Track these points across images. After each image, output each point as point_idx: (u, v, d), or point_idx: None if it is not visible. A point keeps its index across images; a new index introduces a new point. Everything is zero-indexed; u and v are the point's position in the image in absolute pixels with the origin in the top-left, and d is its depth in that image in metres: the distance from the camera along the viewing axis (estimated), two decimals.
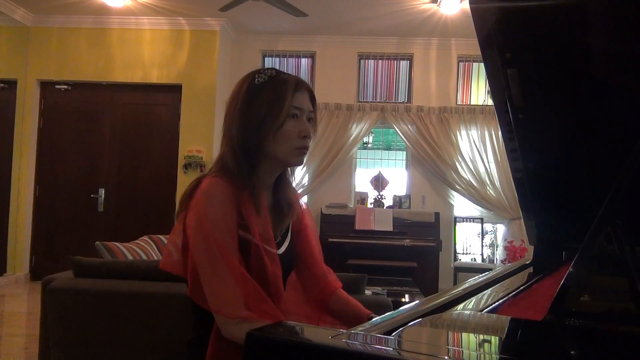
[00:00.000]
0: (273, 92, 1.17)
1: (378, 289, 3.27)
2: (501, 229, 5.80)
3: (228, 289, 1.05)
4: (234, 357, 1.06)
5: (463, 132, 5.74)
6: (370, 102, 5.97)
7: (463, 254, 5.91)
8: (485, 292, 1.25)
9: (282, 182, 1.29)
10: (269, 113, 1.16)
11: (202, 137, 5.59)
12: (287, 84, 1.19)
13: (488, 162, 5.71)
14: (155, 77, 5.68)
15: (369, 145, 6.39)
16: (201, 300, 1.09)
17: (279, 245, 1.24)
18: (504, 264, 5.30)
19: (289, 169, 1.30)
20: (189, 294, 1.12)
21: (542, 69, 1.17)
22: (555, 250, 1.68)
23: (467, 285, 1.32)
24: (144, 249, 2.85)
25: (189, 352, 1.22)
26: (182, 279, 1.16)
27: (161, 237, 3.17)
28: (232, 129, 1.19)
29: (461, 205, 5.87)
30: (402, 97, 6.06)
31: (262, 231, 1.16)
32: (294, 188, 1.34)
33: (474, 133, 5.75)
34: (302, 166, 1.27)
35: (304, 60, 6.18)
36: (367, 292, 2.64)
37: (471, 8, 1.06)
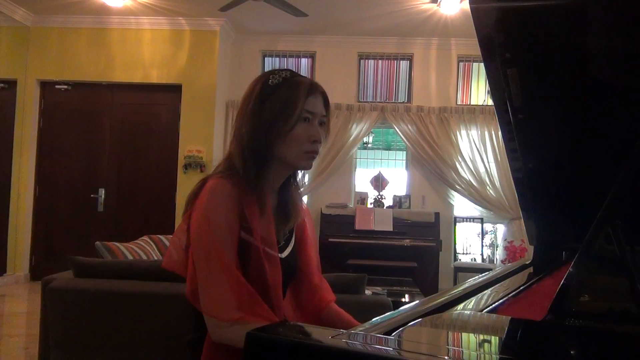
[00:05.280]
0: (286, 94, 1.15)
1: (378, 289, 3.27)
2: (501, 229, 5.80)
3: (221, 292, 1.05)
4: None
5: (463, 132, 5.74)
6: (370, 102, 5.98)
7: (463, 254, 5.91)
8: (485, 292, 1.25)
9: (289, 184, 1.27)
10: (281, 115, 1.14)
11: (202, 137, 5.59)
12: (300, 86, 1.17)
13: (488, 162, 5.71)
14: (155, 77, 5.68)
15: (369, 145, 6.39)
16: (197, 302, 1.09)
17: (281, 250, 1.22)
18: (504, 264, 5.29)
19: (298, 172, 1.29)
20: (187, 295, 1.12)
21: (541, 69, 1.17)
22: (555, 250, 1.68)
23: (467, 285, 1.32)
24: (144, 249, 2.85)
25: (190, 351, 1.22)
26: (183, 279, 1.16)
27: (161, 237, 3.17)
28: (242, 129, 1.17)
29: (461, 205, 5.86)
30: (402, 97, 6.06)
31: (265, 234, 1.14)
32: (300, 192, 1.31)
33: (474, 133, 5.75)
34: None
35: (304, 60, 6.18)
36: (367, 292, 2.64)
37: (471, 8, 1.06)
